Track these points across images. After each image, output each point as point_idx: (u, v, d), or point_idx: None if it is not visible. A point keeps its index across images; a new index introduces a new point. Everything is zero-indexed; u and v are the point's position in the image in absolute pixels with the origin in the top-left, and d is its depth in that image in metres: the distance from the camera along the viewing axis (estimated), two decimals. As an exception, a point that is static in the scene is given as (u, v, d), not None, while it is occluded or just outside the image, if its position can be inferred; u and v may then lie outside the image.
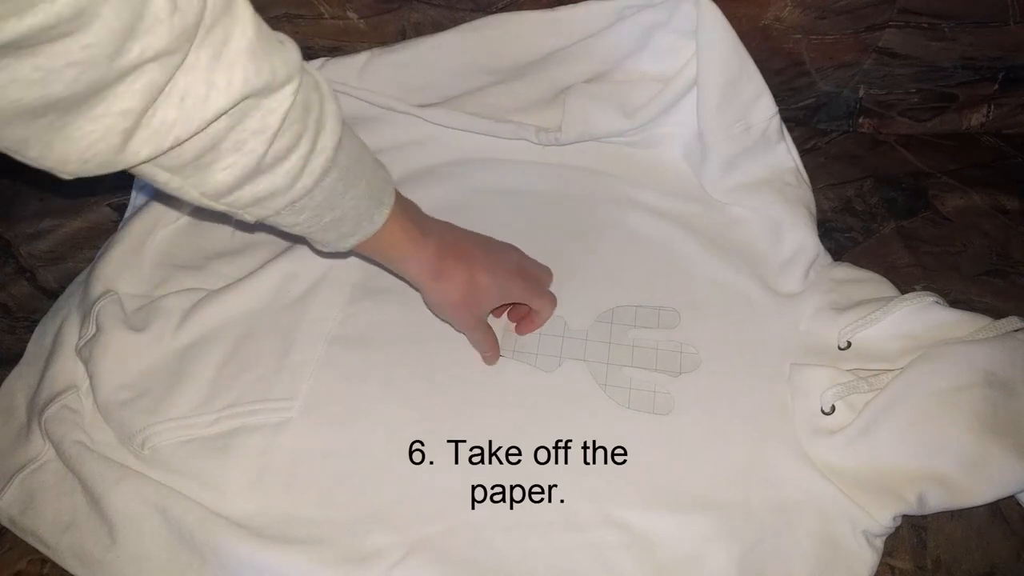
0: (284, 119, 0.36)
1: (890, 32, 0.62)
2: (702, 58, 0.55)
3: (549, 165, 0.64)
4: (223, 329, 0.56)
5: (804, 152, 0.64)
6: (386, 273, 0.59)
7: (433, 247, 0.49)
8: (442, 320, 0.54)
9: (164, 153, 0.33)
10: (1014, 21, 0.60)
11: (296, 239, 0.51)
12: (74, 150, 0.31)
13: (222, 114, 0.33)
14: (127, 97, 0.30)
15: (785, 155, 0.59)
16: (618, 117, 0.61)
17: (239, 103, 0.34)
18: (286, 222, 0.42)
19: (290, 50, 0.37)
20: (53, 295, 0.64)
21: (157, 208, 0.61)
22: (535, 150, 0.64)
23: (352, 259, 0.60)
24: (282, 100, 0.36)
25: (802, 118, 0.70)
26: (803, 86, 0.67)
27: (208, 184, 0.37)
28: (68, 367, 0.55)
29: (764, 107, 0.57)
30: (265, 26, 0.35)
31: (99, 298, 0.56)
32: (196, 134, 0.33)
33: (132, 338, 0.55)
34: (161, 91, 0.31)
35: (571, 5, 0.60)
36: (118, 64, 0.29)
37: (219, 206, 0.39)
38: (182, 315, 0.56)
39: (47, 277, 0.66)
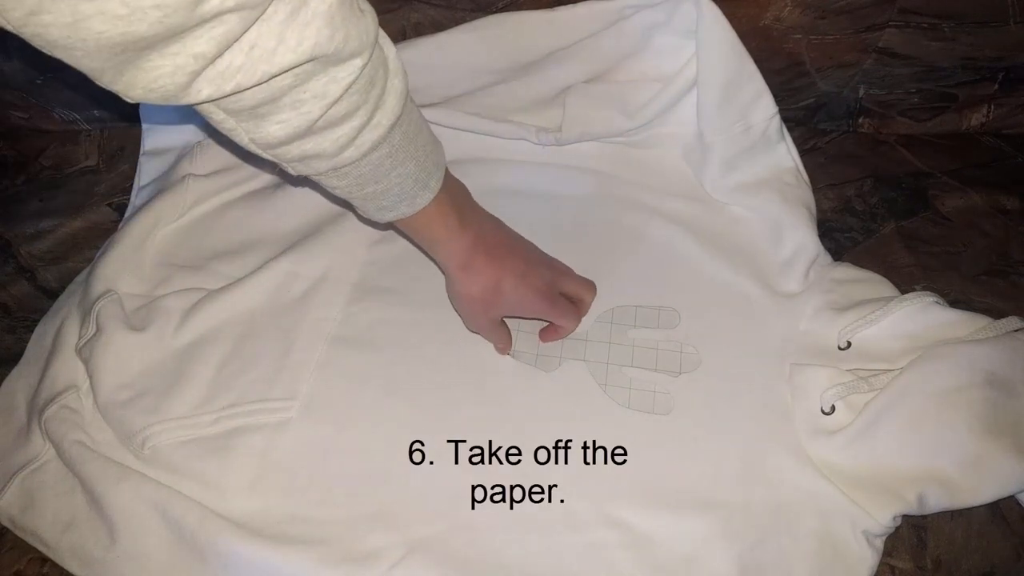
0: (347, 90, 0.36)
1: (890, 32, 0.62)
2: (702, 58, 0.55)
3: (549, 165, 0.64)
4: (223, 329, 0.56)
5: (804, 152, 0.64)
6: (386, 273, 0.59)
7: (469, 240, 0.49)
8: (456, 312, 0.54)
9: (225, 97, 0.34)
10: (1014, 21, 0.60)
11: (341, 202, 0.50)
12: (142, 80, 0.31)
13: (286, 71, 0.34)
14: (203, 42, 0.30)
15: (785, 155, 0.59)
16: (618, 117, 0.61)
17: (305, 64, 0.34)
18: (328, 183, 0.43)
19: (368, 22, 0.37)
20: (53, 295, 0.64)
21: (157, 208, 0.62)
22: (535, 150, 0.64)
23: (352, 259, 0.60)
24: (349, 71, 0.36)
25: (802, 118, 0.70)
26: (803, 86, 0.67)
27: (260, 133, 0.37)
28: (68, 367, 0.55)
29: (764, 107, 0.57)
30: None
31: (99, 298, 0.56)
32: (257, 84, 0.34)
33: (132, 338, 0.55)
34: (236, 40, 0.31)
35: (571, 5, 0.60)
36: (200, 11, 0.29)
37: (266, 155, 0.40)
38: (182, 315, 0.56)
39: (47, 277, 0.66)
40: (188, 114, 0.67)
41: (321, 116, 0.37)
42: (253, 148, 0.39)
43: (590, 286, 0.57)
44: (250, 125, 0.37)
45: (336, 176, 0.42)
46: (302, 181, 0.44)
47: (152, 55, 0.30)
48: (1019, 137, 0.69)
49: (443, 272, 0.52)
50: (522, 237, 0.54)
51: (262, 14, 0.31)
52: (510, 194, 0.63)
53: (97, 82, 0.32)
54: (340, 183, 0.43)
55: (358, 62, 0.36)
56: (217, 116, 0.36)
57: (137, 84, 0.32)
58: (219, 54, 0.31)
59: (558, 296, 0.54)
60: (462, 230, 0.49)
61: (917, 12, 0.61)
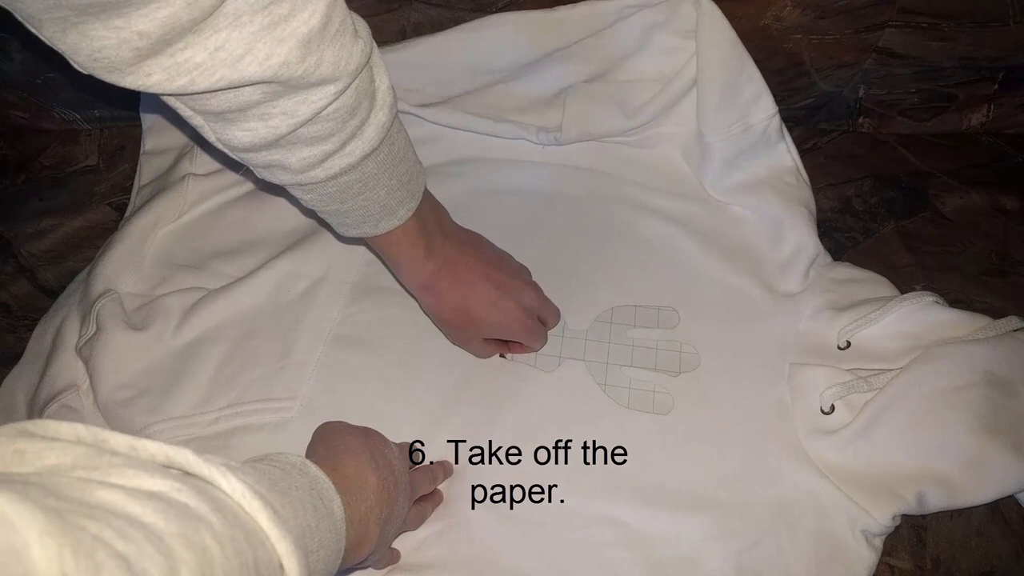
0: (317, 113, 0.36)
1: (890, 32, 0.62)
2: (702, 58, 0.56)
3: (549, 165, 0.64)
4: (223, 328, 0.56)
5: (804, 152, 0.63)
6: (386, 273, 0.59)
7: (432, 268, 0.49)
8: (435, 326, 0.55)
9: (177, 91, 0.33)
10: (1014, 21, 0.60)
11: (308, 211, 0.51)
12: (86, 47, 0.31)
13: (249, 83, 0.33)
14: (146, 21, 0.30)
15: (785, 155, 0.59)
16: (618, 117, 0.61)
17: (271, 81, 0.34)
18: (294, 193, 0.43)
19: (355, 51, 0.36)
20: (53, 294, 0.64)
21: (157, 208, 0.62)
22: (535, 150, 0.64)
23: (352, 259, 0.60)
24: (320, 96, 0.36)
25: (802, 118, 0.70)
26: (803, 86, 0.66)
27: (226, 135, 0.37)
28: (68, 366, 0.55)
29: (764, 107, 0.57)
30: (342, 18, 0.35)
31: (99, 297, 0.56)
32: (213, 89, 0.33)
33: (132, 337, 0.55)
34: (186, 29, 0.31)
35: (571, 5, 0.60)
36: None
37: (233, 155, 0.40)
38: (182, 314, 0.56)
39: (47, 276, 0.66)
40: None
41: (289, 132, 0.37)
42: (220, 147, 0.39)
43: (556, 313, 0.56)
44: (217, 126, 0.37)
45: (301, 190, 0.42)
46: (272, 187, 0.44)
47: (96, 24, 0.30)
48: (1019, 137, 0.69)
49: (408, 292, 0.52)
50: (505, 258, 0.54)
51: (215, 10, 0.31)
52: (510, 194, 0.63)
53: (39, 34, 0.32)
54: (305, 196, 0.43)
55: (331, 89, 0.36)
56: (184, 112, 0.37)
57: (81, 50, 0.31)
58: (165, 36, 0.31)
59: (532, 319, 0.53)
60: (427, 258, 0.48)
61: (917, 12, 0.61)
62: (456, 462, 0.51)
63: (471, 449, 0.51)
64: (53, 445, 0.24)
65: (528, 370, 0.55)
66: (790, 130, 0.59)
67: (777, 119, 0.57)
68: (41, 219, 0.68)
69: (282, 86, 0.34)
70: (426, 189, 0.48)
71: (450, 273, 0.49)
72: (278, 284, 0.58)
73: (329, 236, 0.60)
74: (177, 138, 0.67)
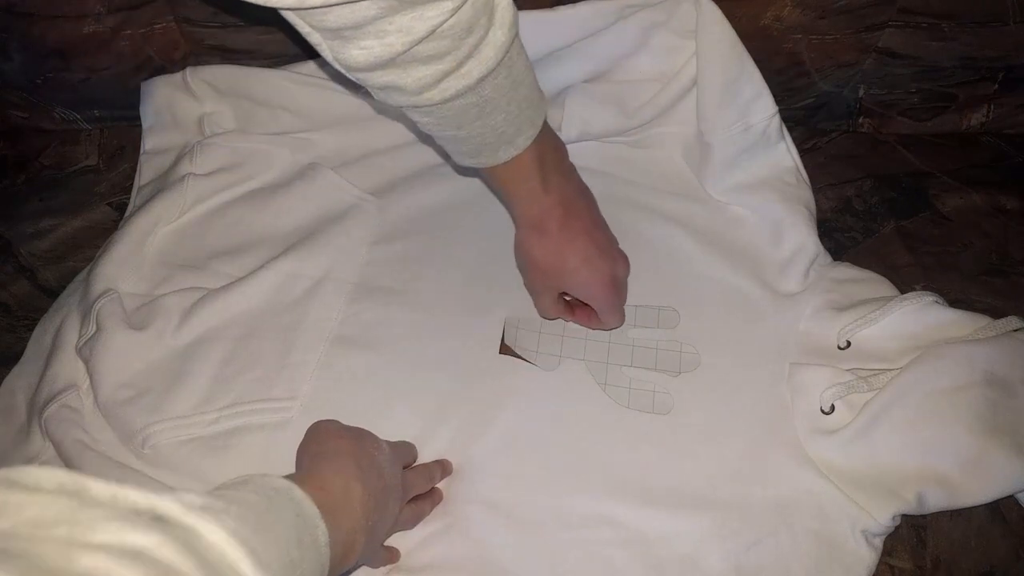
0: (433, 31, 0.35)
1: (890, 32, 0.62)
2: (702, 58, 0.56)
3: (549, 165, 0.64)
4: (223, 328, 0.56)
5: (804, 152, 0.63)
6: (387, 273, 0.59)
7: (546, 204, 0.47)
8: (517, 267, 0.54)
9: (294, 4, 0.33)
10: (1014, 21, 0.60)
11: (424, 136, 0.49)
12: None
13: None
14: None
15: (785, 155, 0.59)
16: (618, 117, 0.61)
17: None
18: (412, 116, 0.42)
19: None
20: (53, 294, 0.64)
21: (158, 207, 0.62)
22: (535, 150, 0.64)
23: (353, 259, 0.60)
24: (436, 13, 0.35)
25: (802, 118, 0.70)
26: (803, 86, 0.67)
27: (343, 54, 0.37)
28: (68, 366, 0.55)
29: (764, 107, 0.57)
30: None
31: (99, 297, 0.56)
32: (329, 3, 0.33)
33: (132, 337, 0.55)
34: None
35: (571, 5, 0.60)
36: None
37: (351, 76, 0.39)
38: (182, 314, 0.56)
39: (47, 276, 0.66)
40: (188, 113, 0.67)
41: (405, 51, 0.36)
42: (337, 67, 0.39)
43: (624, 301, 0.54)
44: (335, 44, 0.37)
45: (417, 112, 0.41)
46: (389, 111, 0.43)
47: None
48: (1019, 137, 0.69)
49: (514, 224, 0.50)
50: (602, 220, 0.53)
51: None
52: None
53: None
54: (422, 119, 0.42)
55: (448, 4, 0.35)
56: (303, 28, 0.36)
57: None
58: None
59: (619, 289, 0.52)
60: (543, 193, 0.47)
61: (917, 12, 0.61)
62: (455, 462, 0.51)
63: (471, 448, 0.51)
64: (34, 496, 0.23)
65: (528, 370, 0.55)
66: (790, 130, 0.59)
67: (777, 119, 0.57)
68: (41, 219, 0.68)
69: (398, 1, 0.34)
70: (546, 122, 0.46)
71: (562, 214, 0.48)
72: (279, 284, 0.58)
73: (330, 236, 0.60)
74: (177, 138, 0.67)
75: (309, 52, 0.61)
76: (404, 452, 0.49)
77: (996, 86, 0.66)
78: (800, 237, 0.57)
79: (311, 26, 0.36)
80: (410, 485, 0.46)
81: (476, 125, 0.42)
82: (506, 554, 0.47)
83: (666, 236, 0.60)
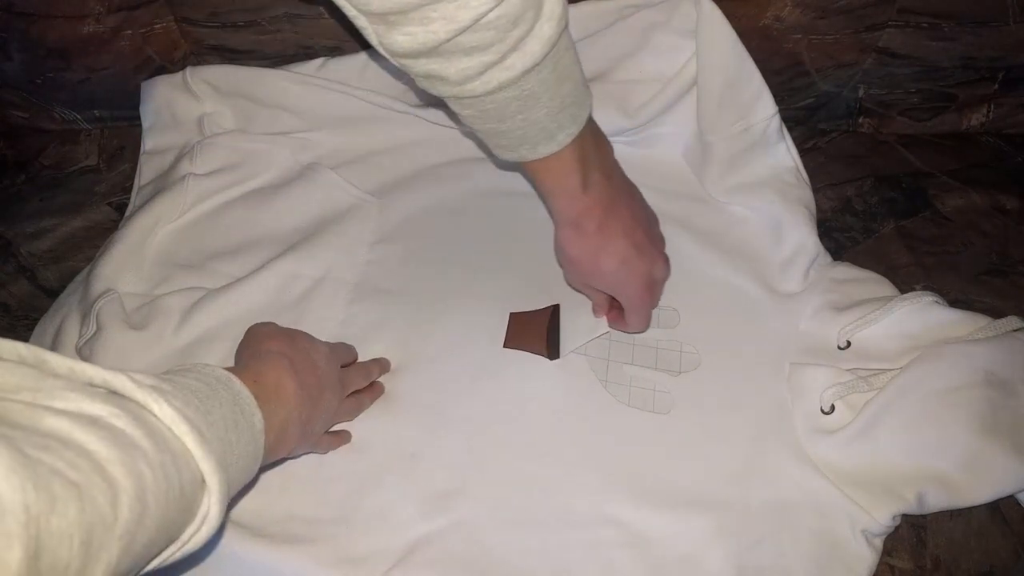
0: (477, 20, 0.35)
1: (890, 32, 0.62)
2: (702, 58, 0.56)
3: (549, 165, 0.64)
4: (223, 328, 0.56)
5: (804, 152, 0.63)
6: (387, 273, 0.59)
7: (585, 204, 0.47)
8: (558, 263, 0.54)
9: None
10: (1014, 21, 0.60)
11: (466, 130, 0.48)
12: None
13: None
14: None
15: (785, 155, 0.59)
16: (618, 117, 0.61)
17: None
18: (453, 107, 0.42)
19: None
20: (53, 294, 0.64)
21: (158, 207, 0.62)
22: (535, 150, 0.64)
23: (353, 259, 0.60)
24: (482, 2, 0.35)
25: (802, 118, 0.70)
26: (803, 86, 0.67)
27: (388, 39, 0.37)
28: (68, 366, 0.55)
29: (764, 107, 0.56)
30: None
31: (99, 297, 0.56)
32: None
33: (132, 337, 0.55)
34: None
35: (571, 5, 0.60)
36: None
37: (395, 62, 0.39)
38: (182, 314, 0.56)
39: (47, 276, 0.66)
40: (188, 113, 0.67)
41: (448, 40, 0.36)
42: (382, 51, 0.39)
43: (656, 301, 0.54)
44: (380, 29, 0.37)
45: (459, 104, 0.41)
46: (428, 98, 0.42)
47: None
48: (1019, 137, 0.69)
49: (552, 221, 0.50)
50: (652, 221, 0.52)
51: None
52: (510, 194, 0.63)
53: None
54: (463, 111, 0.42)
55: None
56: (349, 11, 0.37)
57: None
58: None
59: (652, 293, 0.52)
60: (582, 192, 0.46)
61: (917, 12, 0.61)
62: (456, 460, 0.51)
63: (471, 445, 0.51)
64: None
65: (530, 367, 0.54)
66: (790, 130, 0.59)
67: (777, 119, 0.57)
68: (41, 219, 0.68)
69: None
70: (591, 118, 0.46)
71: (601, 214, 0.47)
72: (279, 284, 0.58)
73: (330, 236, 0.60)
74: (177, 138, 0.67)
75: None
76: (342, 352, 0.52)
77: (996, 86, 0.66)
78: (800, 237, 0.57)
79: (357, 9, 0.36)
80: (349, 381, 0.50)
81: (517, 119, 0.41)
82: (506, 554, 0.47)
83: (666, 236, 0.59)
